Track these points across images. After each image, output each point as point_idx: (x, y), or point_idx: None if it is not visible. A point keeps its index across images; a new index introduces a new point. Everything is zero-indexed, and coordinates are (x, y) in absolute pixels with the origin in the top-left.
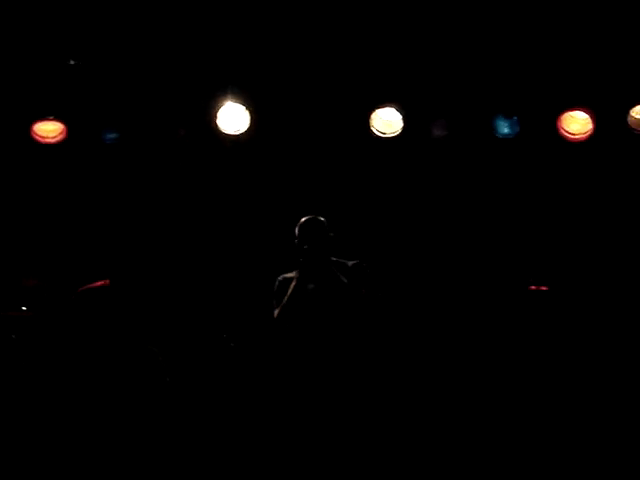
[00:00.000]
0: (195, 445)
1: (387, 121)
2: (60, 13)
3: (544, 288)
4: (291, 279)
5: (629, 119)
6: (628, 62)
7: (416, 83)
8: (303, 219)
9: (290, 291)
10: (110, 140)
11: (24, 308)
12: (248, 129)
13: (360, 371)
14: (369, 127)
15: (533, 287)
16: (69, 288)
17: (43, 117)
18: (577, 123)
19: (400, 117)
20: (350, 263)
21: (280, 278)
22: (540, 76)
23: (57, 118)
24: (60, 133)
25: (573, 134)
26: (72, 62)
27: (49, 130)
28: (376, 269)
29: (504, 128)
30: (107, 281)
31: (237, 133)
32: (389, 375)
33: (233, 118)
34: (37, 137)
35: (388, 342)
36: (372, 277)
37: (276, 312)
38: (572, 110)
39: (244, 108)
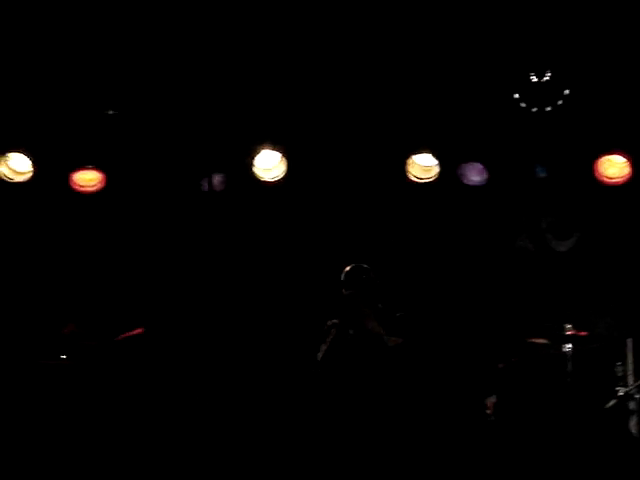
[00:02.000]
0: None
1: (424, 166)
2: (98, 64)
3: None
4: (335, 324)
5: None
6: None
7: (452, 129)
8: (348, 267)
9: (331, 336)
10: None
11: (64, 357)
12: (285, 176)
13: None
14: (406, 172)
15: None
16: (107, 336)
17: (83, 166)
18: (615, 167)
19: (436, 162)
20: (398, 314)
21: (329, 323)
22: (578, 121)
23: (96, 167)
24: (99, 182)
25: (610, 178)
26: (110, 112)
27: (88, 179)
28: (416, 318)
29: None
30: (142, 329)
31: (274, 179)
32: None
33: (270, 165)
34: (77, 186)
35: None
36: (412, 329)
37: (319, 355)
38: (609, 154)
39: (280, 155)
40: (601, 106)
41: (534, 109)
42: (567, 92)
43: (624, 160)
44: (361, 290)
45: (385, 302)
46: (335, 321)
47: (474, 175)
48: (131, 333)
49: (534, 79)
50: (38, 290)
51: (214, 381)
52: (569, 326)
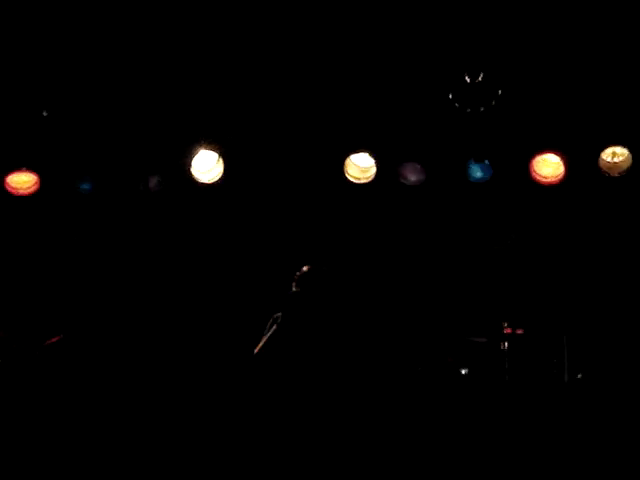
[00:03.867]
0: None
1: (361, 167)
2: (32, 64)
3: (519, 331)
4: (276, 319)
5: (600, 162)
6: (599, 105)
7: (389, 128)
8: (306, 266)
9: (270, 332)
10: (85, 190)
11: None
12: (222, 177)
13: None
14: (344, 173)
15: (508, 330)
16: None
17: (16, 169)
18: (549, 166)
19: (373, 162)
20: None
21: (274, 316)
22: (512, 120)
23: (30, 169)
24: (34, 184)
25: (546, 177)
26: (45, 113)
27: (22, 182)
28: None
29: (477, 172)
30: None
31: (211, 181)
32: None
33: (207, 166)
34: (10, 189)
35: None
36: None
37: (256, 349)
38: (544, 154)
39: (217, 156)
40: (535, 106)
41: (468, 109)
42: (500, 92)
43: (559, 159)
44: (311, 289)
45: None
46: (278, 315)
47: (412, 175)
48: (54, 339)
49: (467, 80)
50: None
51: (146, 382)
52: (506, 324)
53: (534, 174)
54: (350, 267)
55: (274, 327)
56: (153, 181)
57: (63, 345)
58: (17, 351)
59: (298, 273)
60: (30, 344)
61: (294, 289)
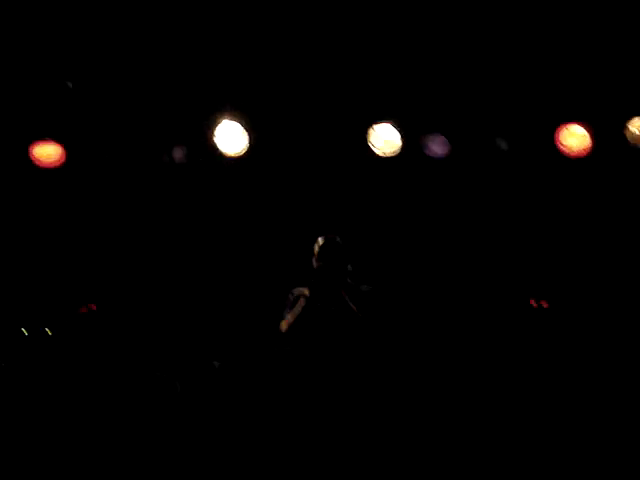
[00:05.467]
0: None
1: (386, 140)
2: (56, 35)
3: (544, 304)
4: (303, 295)
5: (627, 133)
6: (624, 75)
7: (415, 100)
8: (320, 239)
9: (299, 309)
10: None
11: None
12: (247, 148)
13: (361, 393)
14: (369, 145)
15: (533, 303)
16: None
17: (42, 140)
18: (575, 138)
19: (399, 135)
20: (364, 287)
21: (295, 291)
22: (538, 91)
23: (56, 141)
24: (59, 156)
25: (571, 149)
26: (69, 84)
27: (48, 154)
28: (384, 293)
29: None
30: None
31: (236, 154)
32: (392, 394)
33: (231, 137)
34: (36, 161)
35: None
36: (381, 304)
37: (284, 326)
38: (570, 125)
39: (242, 127)
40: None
41: None
42: None
43: (584, 131)
44: (334, 263)
45: (352, 277)
46: (303, 291)
47: (437, 147)
48: (86, 309)
49: None
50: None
51: (172, 361)
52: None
53: (560, 145)
54: (373, 239)
55: (300, 302)
56: (178, 152)
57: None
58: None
59: (317, 247)
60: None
61: (315, 263)
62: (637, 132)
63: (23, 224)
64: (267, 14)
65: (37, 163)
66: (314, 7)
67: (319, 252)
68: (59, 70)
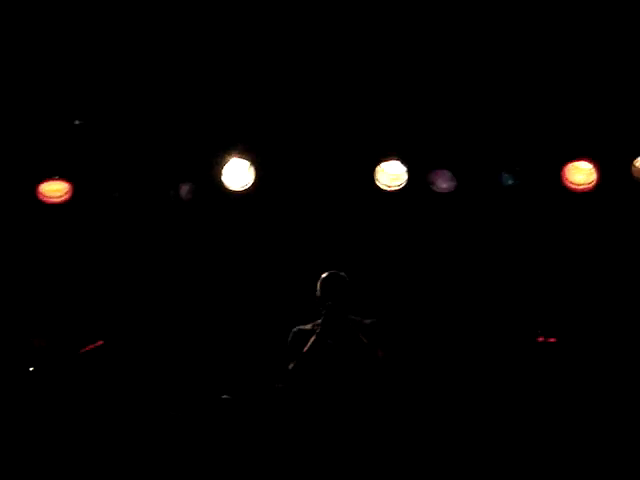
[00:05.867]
0: None
1: (392, 174)
2: (64, 74)
3: (552, 340)
4: (308, 332)
5: (633, 169)
6: (631, 113)
7: (420, 136)
8: (326, 274)
9: (309, 345)
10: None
11: (31, 369)
12: (254, 184)
13: (371, 427)
14: (375, 181)
15: (541, 339)
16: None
17: (49, 177)
18: (581, 174)
19: (405, 170)
20: (367, 321)
21: (295, 330)
22: (544, 128)
23: (62, 178)
24: (66, 193)
25: (578, 184)
26: (77, 122)
27: (54, 190)
28: (388, 325)
29: (508, 180)
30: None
31: (243, 189)
32: (400, 428)
33: (238, 174)
34: (43, 197)
35: (400, 397)
36: (387, 336)
37: (291, 365)
38: (576, 161)
39: (249, 164)
40: (566, 112)
41: None
42: None
43: (591, 166)
44: (341, 299)
45: (355, 311)
46: (304, 328)
47: (443, 182)
48: (93, 345)
49: None
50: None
51: (180, 392)
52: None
53: (566, 181)
54: (379, 274)
55: (312, 339)
56: (184, 189)
57: (102, 352)
58: (54, 358)
59: (323, 282)
60: (67, 351)
61: (321, 299)
62: None
63: (30, 259)
64: (273, 52)
65: (44, 199)
66: (319, 43)
67: (326, 288)
68: (67, 107)
